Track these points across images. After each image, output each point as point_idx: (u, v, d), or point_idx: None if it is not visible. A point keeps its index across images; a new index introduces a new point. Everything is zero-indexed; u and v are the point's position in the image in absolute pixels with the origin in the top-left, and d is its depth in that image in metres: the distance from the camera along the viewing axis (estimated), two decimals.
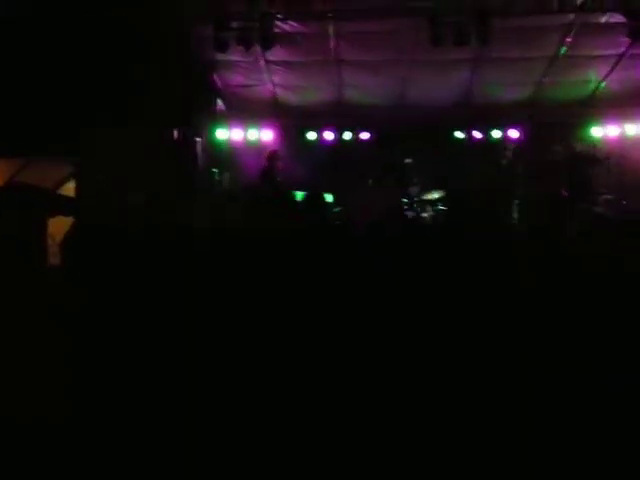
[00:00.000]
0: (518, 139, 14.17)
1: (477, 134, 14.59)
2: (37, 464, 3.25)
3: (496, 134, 14.54)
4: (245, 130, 14.58)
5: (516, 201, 11.86)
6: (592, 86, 13.91)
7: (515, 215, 11.70)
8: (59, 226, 5.14)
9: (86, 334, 3.61)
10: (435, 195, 12.77)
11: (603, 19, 11.66)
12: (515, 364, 3.59)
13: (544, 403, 3.45)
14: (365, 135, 14.61)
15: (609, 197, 12.53)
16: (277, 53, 12.26)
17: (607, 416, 3.35)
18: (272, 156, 12.41)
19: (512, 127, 14.36)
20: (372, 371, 3.61)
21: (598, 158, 12.58)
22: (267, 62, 12.89)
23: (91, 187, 11.07)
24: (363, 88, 13.98)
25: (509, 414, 3.43)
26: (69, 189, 11.48)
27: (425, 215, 12.38)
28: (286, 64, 13.03)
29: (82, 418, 3.39)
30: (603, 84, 13.73)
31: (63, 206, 7.07)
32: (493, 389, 3.52)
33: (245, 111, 14.29)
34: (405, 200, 12.67)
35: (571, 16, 11.69)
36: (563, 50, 12.57)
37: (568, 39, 12.21)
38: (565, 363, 3.55)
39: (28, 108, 10.70)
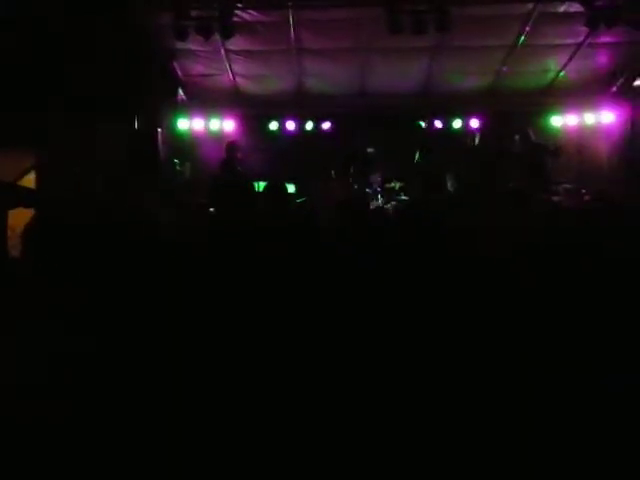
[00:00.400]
0: (478, 128, 14.28)
1: (438, 123, 14.67)
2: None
3: (457, 123, 14.63)
4: (207, 120, 14.55)
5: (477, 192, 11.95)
6: (551, 75, 13.98)
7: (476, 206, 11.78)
8: (19, 218, 5.09)
9: (50, 327, 3.58)
10: (397, 184, 12.84)
11: (562, 8, 11.71)
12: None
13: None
14: (327, 125, 14.64)
15: (568, 187, 12.63)
16: (237, 42, 12.19)
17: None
18: (231, 146, 12.37)
19: (473, 116, 14.46)
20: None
21: (553, 148, 12.67)
22: (227, 51, 12.82)
23: (51, 178, 10.97)
24: (324, 77, 13.97)
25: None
26: (29, 181, 11.36)
27: (388, 205, 12.43)
28: (246, 53, 12.97)
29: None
30: (562, 73, 13.80)
31: (23, 197, 7.01)
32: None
33: (206, 101, 14.24)
34: (368, 190, 12.72)
35: (530, 5, 11.75)
36: (522, 39, 12.61)
37: (527, 28, 12.25)
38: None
39: None
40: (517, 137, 12.81)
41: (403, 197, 12.54)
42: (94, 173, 10.77)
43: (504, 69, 13.66)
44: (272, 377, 3.52)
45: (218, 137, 14.28)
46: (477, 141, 12.98)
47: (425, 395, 3.48)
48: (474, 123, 14.45)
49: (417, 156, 13.09)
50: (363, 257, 4.30)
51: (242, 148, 12.50)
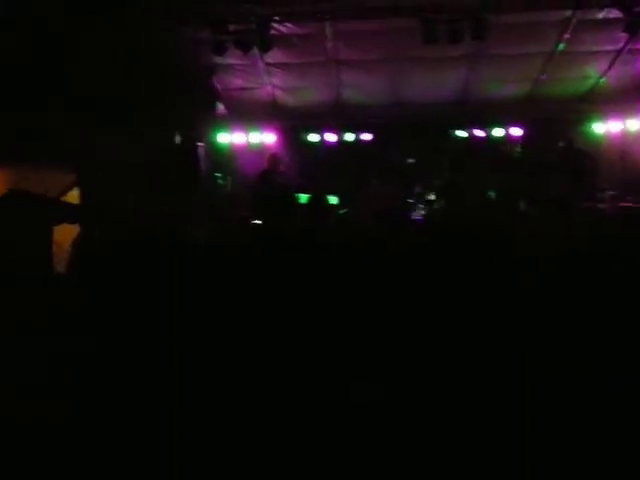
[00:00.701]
0: (520, 137, 14.18)
1: (479, 133, 14.59)
2: (37, 464, 3.27)
3: (497, 132, 14.55)
4: (247, 133, 14.63)
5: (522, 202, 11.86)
6: (591, 82, 13.86)
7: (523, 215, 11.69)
8: (64, 234, 5.16)
9: (90, 340, 3.63)
10: (438, 194, 12.79)
11: (601, 15, 11.61)
12: (508, 361, 3.58)
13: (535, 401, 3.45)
14: (367, 136, 14.64)
15: (613, 193, 12.50)
16: (275, 55, 12.29)
17: (607, 416, 3.36)
18: (273, 159, 12.42)
19: (512, 125, 14.37)
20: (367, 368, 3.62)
21: (594, 155, 12.54)
22: (265, 64, 12.91)
23: (94, 194, 11.08)
24: (360, 88, 13.99)
25: (496, 411, 3.44)
26: (73, 197, 11.49)
27: (428, 214, 12.37)
28: (284, 66, 13.05)
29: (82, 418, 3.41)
30: (603, 80, 13.68)
31: (68, 213, 7.08)
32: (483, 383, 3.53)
33: (246, 114, 14.31)
34: (409, 200, 12.68)
35: (568, 12, 11.66)
36: (561, 46, 12.53)
37: (566, 35, 12.18)
38: (563, 362, 3.55)
39: (29, 115, 10.70)
40: (561, 144, 12.69)
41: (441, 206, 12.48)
42: (136, 188, 10.85)
43: (543, 77, 13.56)
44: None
45: (259, 150, 14.36)
46: (519, 150, 12.82)
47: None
48: (515, 131, 14.34)
49: (448, 170, 12.94)
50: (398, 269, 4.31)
51: (284, 160, 12.53)
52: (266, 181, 12.03)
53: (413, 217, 11.53)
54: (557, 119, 13.97)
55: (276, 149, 13.76)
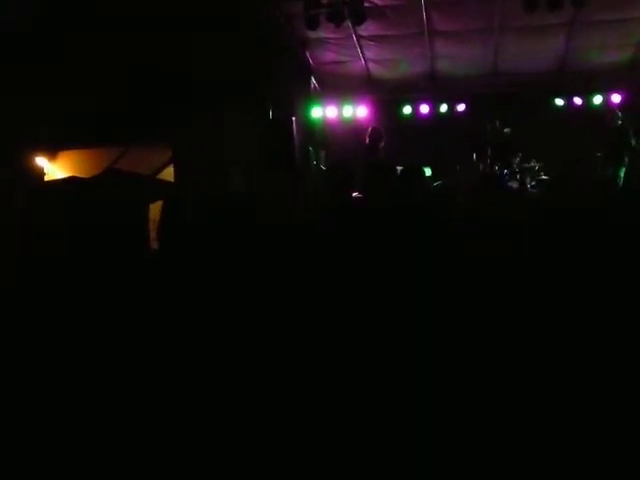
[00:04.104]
0: (620, 103, 13.68)
1: (577, 100, 14.21)
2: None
3: (597, 100, 14.12)
4: (339, 107, 14.58)
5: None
6: None
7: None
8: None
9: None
10: (537, 164, 12.51)
11: None
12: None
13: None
14: (461, 107, 14.43)
15: None
16: (368, 28, 12.19)
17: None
18: (374, 134, 12.27)
19: (613, 92, 13.92)
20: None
21: None
22: (358, 37, 12.83)
23: (189, 170, 11.19)
24: (455, 58, 13.79)
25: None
26: (169, 174, 11.65)
27: (528, 185, 12.13)
28: (378, 38, 12.92)
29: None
30: None
31: (163, 191, 7.16)
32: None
33: (339, 88, 14.27)
34: (506, 170, 12.45)
35: None
36: None
37: None
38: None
39: (123, 97, 10.87)
40: None
41: (543, 177, 12.20)
42: (230, 163, 10.92)
43: None
44: None
45: (351, 124, 14.29)
46: (619, 119, 12.33)
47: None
48: (615, 98, 13.88)
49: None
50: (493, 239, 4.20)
51: (385, 135, 12.37)
52: (368, 156, 11.91)
53: (512, 187, 11.33)
54: None
55: (369, 122, 13.62)
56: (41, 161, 11.99)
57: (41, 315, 3.95)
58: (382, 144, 12.01)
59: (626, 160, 11.48)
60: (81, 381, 3.52)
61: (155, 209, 6.20)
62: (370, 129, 12.28)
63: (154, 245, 4.83)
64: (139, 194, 6.69)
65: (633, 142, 11.49)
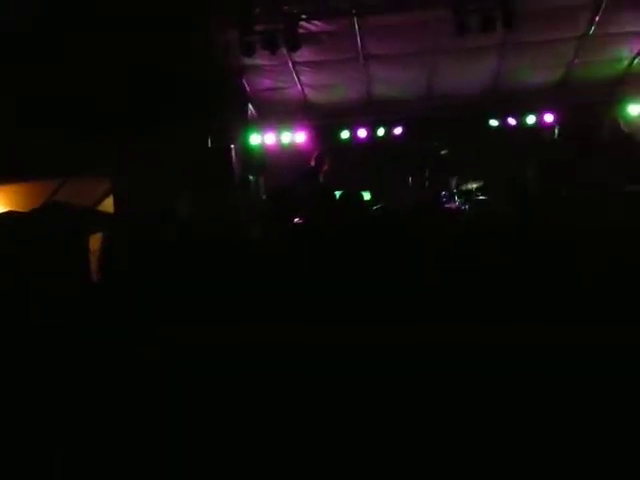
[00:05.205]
0: (555, 122, 13.95)
1: (511, 121, 14.45)
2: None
3: (530, 119, 14.38)
4: (278, 134, 14.60)
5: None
6: (626, 63, 13.65)
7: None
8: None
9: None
10: (474, 185, 12.66)
11: None
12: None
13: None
14: (398, 130, 14.55)
15: None
16: (304, 54, 12.22)
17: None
18: (320, 157, 12.33)
19: (546, 111, 14.19)
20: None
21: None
22: (294, 63, 12.86)
23: (128, 201, 11.11)
24: (391, 82, 13.88)
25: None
26: (109, 205, 11.55)
27: (465, 206, 12.26)
28: (313, 64, 12.98)
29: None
30: (637, 60, 13.46)
31: (103, 222, 7.09)
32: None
33: (276, 114, 14.28)
34: (444, 192, 12.58)
35: None
36: (593, 29, 12.32)
37: (597, 17, 11.98)
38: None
39: (60, 128, 10.76)
40: (606, 129, 12.47)
41: (481, 197, 12.34)
42: (169, 193, 10.87)
43: (575, 61, 13.38)
44: None
45: (290, 149, 14.33)
46: (557, 135, 12.58)
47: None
48: (548, 118, 14.15)
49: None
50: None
51: (330, 159, 12.42)
52: (308, 179, 11.96)
53: (450, 208, 11.45)
54: (592, 103, 13.76)
55: (310, 148, 13.67)
56: None
57: None
58: (325, 167, 12.10)
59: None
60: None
61: (95, 241, 6.15)
62: (316, 152, 12.38)
63: (95, 277, 4.80)
64: (79, 226, 6.61)
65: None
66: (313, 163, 12.29)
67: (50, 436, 3.43)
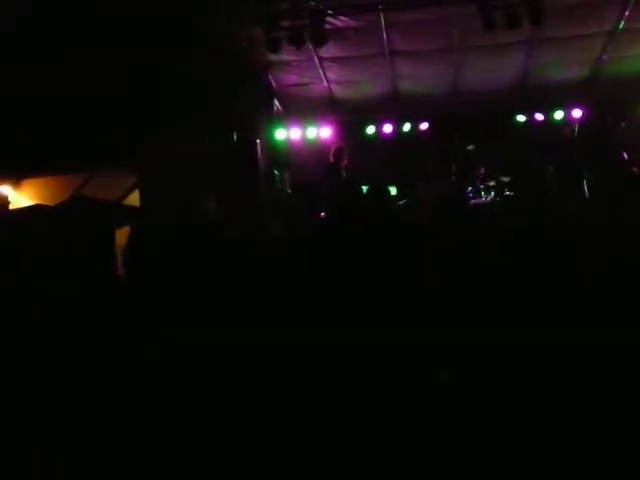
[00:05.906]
0: (581, 118, 13.86)
1: (539, 116, 14.37)
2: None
3: (558, 115, 14.30)
4: (303, 129, 14.62)
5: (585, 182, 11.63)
6: None
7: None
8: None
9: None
10: (504, 179, 12.59)
11: None
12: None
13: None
14: (424, 125, 14.52)
15: None
16: (330, 49, 12.22)
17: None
18: (338, 152, 12.36)
19: (574, 107, 14.09)
20: None
21: None
22: (320, 59, 12.87)
23: (155, 195, 11.16)
24: (417, 78, 13.88)
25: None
26: (134, 199, 11.61)
27: (491, 201, 12.21)
28: (339, 60, 12.99)
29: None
30: None
31: (129, 216, 7.14)
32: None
33: (302, 110, 14.31)
34: (471, 187, 12.54)
35: None
36: (622, 24, 12.22)
37: (626, 12, 11.88)
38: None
39: (87, 123, 10.82)
40: (624, 124, 12.39)
41: (508, 193, 12.28)
42: (196, 187, 10.90)
43: (604, 57, 13.27)
44: None
45: (315, 145, 14.34)
46: (576, 132, 12.54)
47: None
48: (576, 113, 14.05)
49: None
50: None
51: (349, 153, 12.45)
52: (331, 175, 11.98)
53: (474, 204, 11.43)
54: (620, 99, 13.65)
55: (335, 143, 13.67)
56: (5, 189, 11.91)
57: (6, 345, 3.92)
58: (345, 162, 12.11)
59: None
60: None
61: (121, 235, 6.20)
62: (333, 147, 12.40)
63: (121, 272, 4.82)
64: (105, 220, 6.67)
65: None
66: (332, 159, 12.32)
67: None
